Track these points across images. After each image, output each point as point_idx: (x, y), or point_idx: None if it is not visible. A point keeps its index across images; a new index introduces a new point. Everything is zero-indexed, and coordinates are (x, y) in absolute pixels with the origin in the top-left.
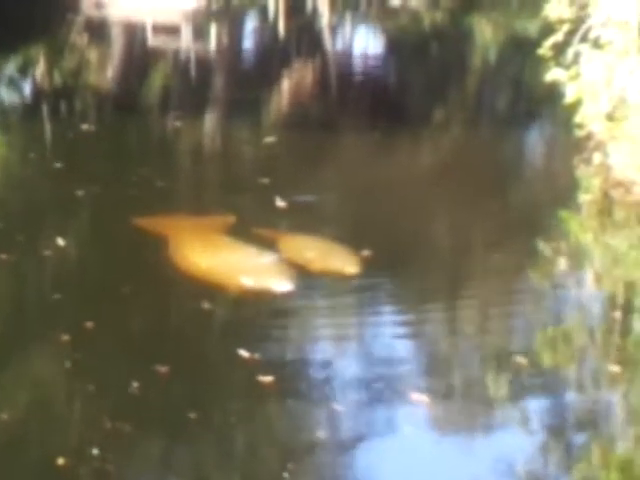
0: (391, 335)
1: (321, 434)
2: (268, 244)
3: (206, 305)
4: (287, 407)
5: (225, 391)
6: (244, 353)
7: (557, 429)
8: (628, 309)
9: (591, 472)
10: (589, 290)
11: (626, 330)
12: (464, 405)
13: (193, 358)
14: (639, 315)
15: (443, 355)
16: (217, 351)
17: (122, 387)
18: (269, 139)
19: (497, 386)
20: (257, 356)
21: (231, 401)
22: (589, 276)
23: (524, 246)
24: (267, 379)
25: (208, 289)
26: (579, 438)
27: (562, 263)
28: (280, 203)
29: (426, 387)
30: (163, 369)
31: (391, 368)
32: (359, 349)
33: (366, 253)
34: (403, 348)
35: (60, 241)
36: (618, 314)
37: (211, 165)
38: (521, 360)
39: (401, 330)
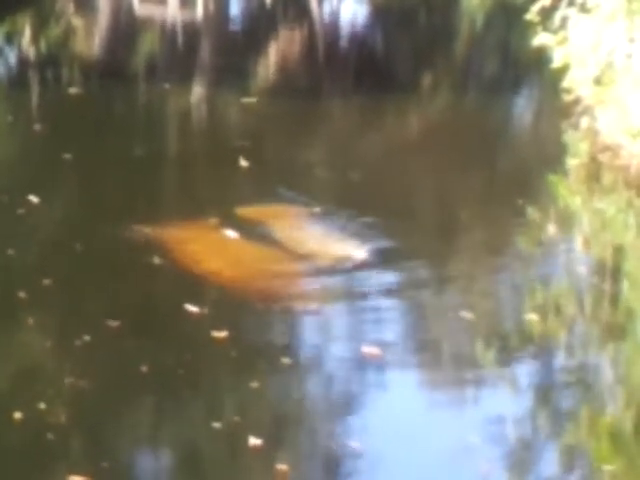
0: (362, 295)
1: (261, 386)
2: (263, 230)
3: (157, 261)
4: (237, 360)
5: (178, 346)
6: (194, 308)
7: (543, 392)
8: (616, 272)
9: (580, 436)
10: (577, 253)
11: (614, 294)
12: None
13: (146, 314)
14: (627, 279)
15: (419, 317)
16: (169, 307)
17: (77, 342)
18: (251, 100)
19: (483, 350)
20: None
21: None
22: (577, 239)
23: (512, 210)
24: (221, 334)
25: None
26: (566, 403)
27: (550, 227)
28: (243, 163)
29: (391, 348)
30: (115, 324)
31: (353, 325)
32: (319, 307)
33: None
34: (373, 308)
35: (36, 200)
36: (605, 277)
37: (196, 132)
38: (508, 325)
39: (375, 291)
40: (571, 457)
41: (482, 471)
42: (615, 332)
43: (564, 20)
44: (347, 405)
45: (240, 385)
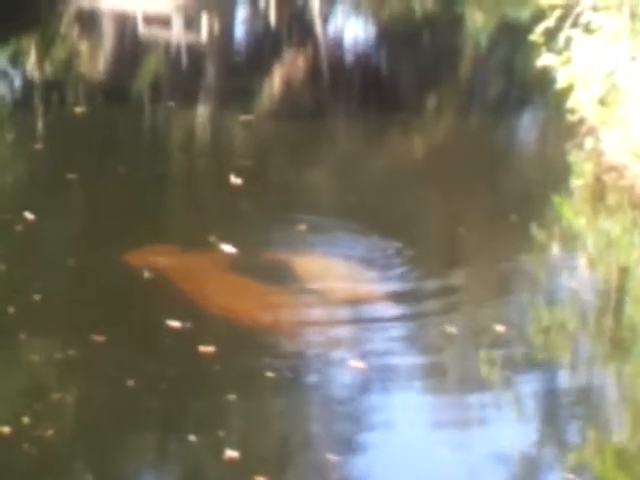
0: (353, 312)
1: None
2: (282, 269)
3: (148, 278)
4: (221, 374)
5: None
6: (180, 325)
7: (547, 412)
8: (621, 292)
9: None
10: (582, 274)
11: (618, 313)
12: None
13: (135, 330)
14: (632, 299)
15: (416, 338)
16: (156, 323)
17: (65, 357)
18: (249, 118)
19: (488, 370)
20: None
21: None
22: (582, 260)
23: (517, 231)
24: (208, 350)
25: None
26: (570, 423)
27: (555, 247)
28: (244, 184)
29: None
30: (100, 339)
31: (337, 338)
32: (304, 318)
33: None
34: (374, 330)
35: (33, 218)
36: (610, 297)
37: (199, 153)
38: (513, 344)
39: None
40: (576, 477)
41: None
42: (620, 351)
43: (568, 41)
44: (328, 418)
45: (222, 398)
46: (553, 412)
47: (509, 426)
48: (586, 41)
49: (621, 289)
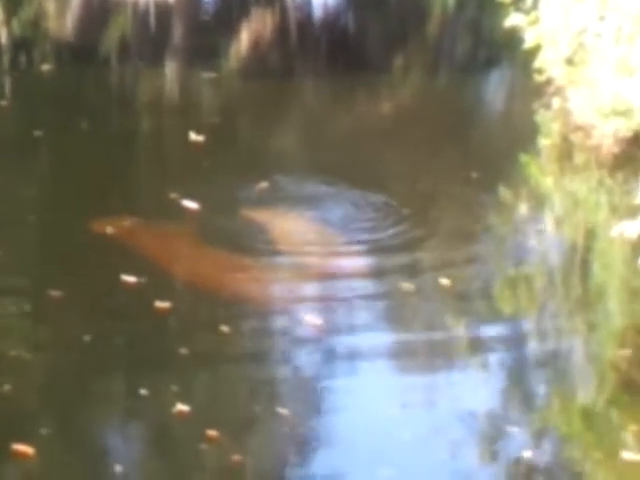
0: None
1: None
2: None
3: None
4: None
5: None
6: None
7: (513, 372)
8: (587, 252)
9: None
10: (549, 233)
11: (584, 273)
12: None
13: (88, 285)
14: (598, 258)
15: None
16: (114, 280)
17: (21, 312)
18: (212, 75)
19: (452, 327)
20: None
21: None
22: (548, 219)
23: (484, 190)
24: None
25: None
26: (536, 383)
27: (522, 206)
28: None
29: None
30: (57, 294)
31: (295, 298)
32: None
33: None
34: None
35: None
36: (576, 257)
37: (166, 111)
38: (477, 303)
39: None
40: (541, 435)
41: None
42: (586, 311)
43: (536, 0)
44: (278, 372)
45: (176, 352)
46: (518, 371)
47: (474, 386)
48: (554, 1)
49: (587, 248)
